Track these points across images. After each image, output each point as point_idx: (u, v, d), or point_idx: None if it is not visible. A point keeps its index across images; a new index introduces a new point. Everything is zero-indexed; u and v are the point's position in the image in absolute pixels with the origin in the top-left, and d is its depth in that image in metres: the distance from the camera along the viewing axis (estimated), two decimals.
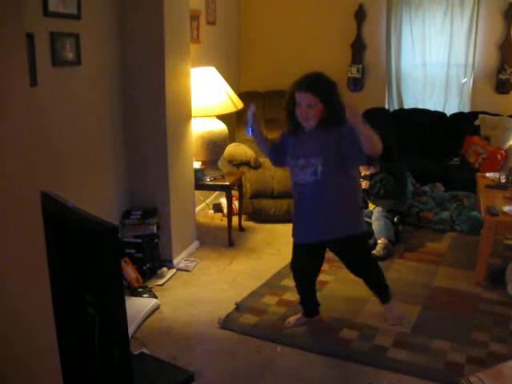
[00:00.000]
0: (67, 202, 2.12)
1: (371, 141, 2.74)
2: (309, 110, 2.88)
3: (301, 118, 2.94)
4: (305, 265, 3.28)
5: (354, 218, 3.11)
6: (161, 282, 3.95)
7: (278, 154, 3.18)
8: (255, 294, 3.76)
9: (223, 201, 5.28)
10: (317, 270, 3.35)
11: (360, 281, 3.50)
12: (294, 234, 3.20)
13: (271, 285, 3.91)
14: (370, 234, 4.54)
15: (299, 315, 3.40)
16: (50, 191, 2.17)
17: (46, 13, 3.09)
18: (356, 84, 6.12)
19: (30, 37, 2.95)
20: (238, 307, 3.55)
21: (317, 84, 2.90)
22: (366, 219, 4.64)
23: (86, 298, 1.97)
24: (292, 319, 3.39)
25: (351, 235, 3.08)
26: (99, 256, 1.88)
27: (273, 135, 5.83)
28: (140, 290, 3.73)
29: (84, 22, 3.43)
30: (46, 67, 3.16)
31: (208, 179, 4.64)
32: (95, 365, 2.04)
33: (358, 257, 3.25)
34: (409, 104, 6.12)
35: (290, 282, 3.82)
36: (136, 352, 2.89)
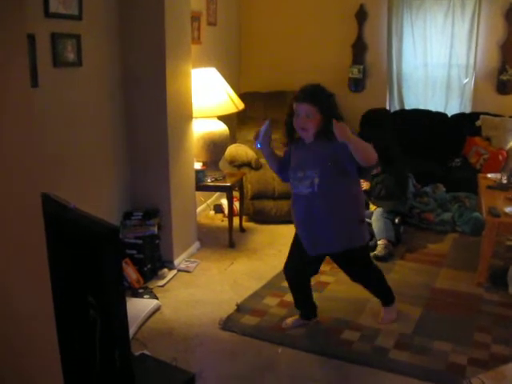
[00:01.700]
0: (68, 203, 2.12)
1: (363, 153, 2.76)
2: (307, 120, 2.89)
3: (298, 127, 2.95)
4: (294, 268, 3.28)
5: (352, 232, 3.05)
6: (161, 282, 3.94)
7: (285, 169, 3.16)
8: (256, 295, 3.75)
9: (224, 202, 5.27)
10: (313, 275, 3.35)
11: None
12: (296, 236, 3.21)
13: (272, 286, 3.90)
14: (371, 235, 4.54)
15: (297, 317, 3.39)
16: (50, 192, 2.16)
17: (47, 14, 3.10)
18: (357, 84, 6.11)
19: (31, 38, 2.95)
20: (239, 308, 3.54)
21: (315, 95, 2.90)
22: (367, 220, 4.64)
23: (87, 299, 1.97)
24: (289, 321, 3.38)
25: (348, 249, 3.05)
26: (100, 257, 1.88)
27: (274, 136, 5.84)
28: (141, 290, 3.73)
29: (85, 22, 3.43)
30: (47, 68, 3.16)
31: (209, 180, 4.64)
32: (96, 366, 2.03)
33: (357, 269, 3.24)
34: (410, 105, 6.12)
35: None
36: (137, 353, 2.88)
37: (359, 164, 2.80)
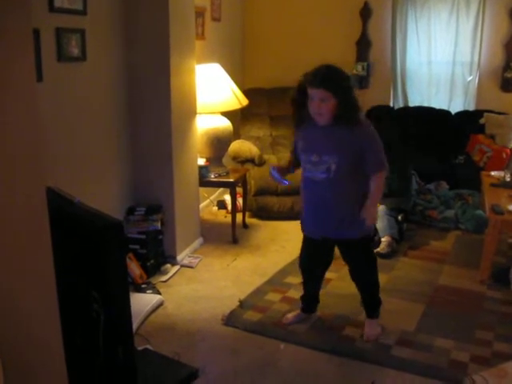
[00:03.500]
0: (72, 197, 2.12)
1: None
2: (322, 104, 2.79)
3: (314, 112, 2.85)
4: (311, 257, 3.26)
5: (362, 221, 2.99)
6: (164, 278, 3.95)
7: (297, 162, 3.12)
8: (259, 291, 3.75)
9: (227, 198, 5.28)
10: (324, 266, 3.32)
11: None
12: (303, 228, 3.19)
13: (275, 282, 3.91)
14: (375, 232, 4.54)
15: (297, 312, 3.40)
16: (55, 186, 2.17)
17: (52, 8, 3.09)
18: (361, 81, 6.10)
19: (36, 32, 2.94)
20: (242, 304, 3.55)
21: (329, 79, 2.80)
22: None
23: (91, 293, 1.97)
24: (290, 316, 3.39)
25: (356, 237, 3.03)
26: (104, 251, 1.88)
27: (277, 132, 5.88)
28: (144, 286, 3.74)
29: (89, 17, 3.43)
30: (52, 63, 3.16)
31: (212, 176, 4.64)
32: (99, 360, 2.04)
33: (360, 258, 3.19)
34: (414, 102, 6.11)
35: (293, 280, 3.83)
36: (140, 348, 2.89)
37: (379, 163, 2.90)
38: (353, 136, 2.83)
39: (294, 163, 3.17)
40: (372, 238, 3.34)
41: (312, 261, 3.28)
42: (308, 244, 3.22)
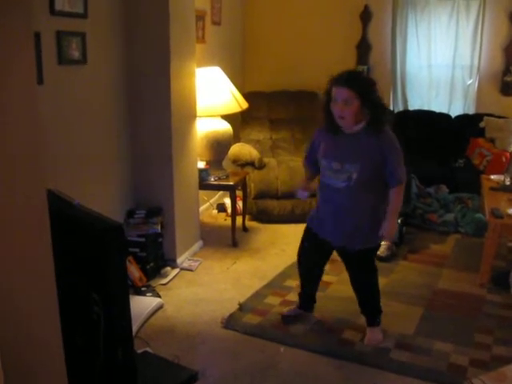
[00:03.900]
0: (72, 199, 2.13)
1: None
2: (344, 107, 2.79)
3: (336, 114, 2.85)
4: (310, 251, 3.25)
5: (370, 233, 2.99)
6: (164, 281, 3.95)
7: (312, 157, 3.13)
8: (258, 295, 3.76)
9: (227, 201, 5.28)
10: (321, 264, 3.32)
11: None
12: (308, 220, 3.21)
13: (274, 285, 3.91)
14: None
15: (293, 306, 3.46)
16: (54, 189, 2.17)
17: (53, 12, 3.10)
18: None
19: (37, 35, 2.95)
20: (242, 307, 3.55)
21: (354, 79, 2.82)
22: None
23: (91, 296, 1.97)
24: (286, 310, 3.47)
25: (368, 247, 3.04)
26: (104, 254, 1.89)
27: (277, 135, 5.88)
28: (143, 289, 3.74)
29: (90, 21, 3.44)
30: (52, 66, 3.17)
31: (212, 179, 4.64)
32: (99, 363, 2.04)
33: (358, 271, 3.19)
34: (413, 105, 6.12)
35: (293, 283, 3.83)
36: (140, 351, 2.89)
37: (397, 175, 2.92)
38: (377, 142, 2.83)
39: (313, 171, 3.18)
40: (377, 249, 3.33)
41: (310, 253, 3.26)
42: (308, 236, 3.21)
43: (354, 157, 2.85)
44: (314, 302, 3.45)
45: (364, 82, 2.88)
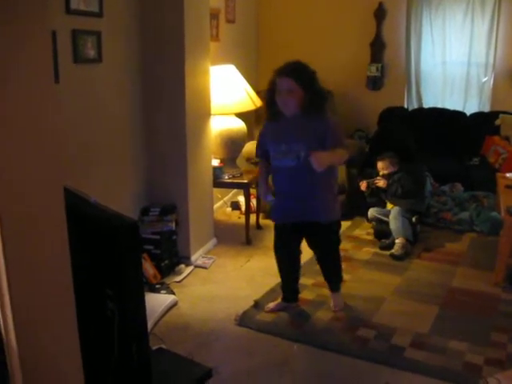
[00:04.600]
0: (88, 197, 2.14)
1: (340, 162, 3.25)
2: (288, 96, 3.00)
3: (281, 103, 3.05)
4: (285, 246, 3.43)
5: (330, 205, 3.24)
6: (178, 278, 3.97)
7: (264, 148, 3.30)
8: (272, 292, 3.75)
9: (241, 199, 5.29)
10: (297, 246, 3.45)
11: (377, 280, 3.50)
12: (272, 216, 3.42)
13: None
14: (388, 233, 4.53)
15: (279, 301, 3.54)
16: (71, 186, 2.19)
17: (68, 10, 3.13)
18: (375, 83, 6.09)
19: (52, 34, 2.97)
20: (257, 305, 3.56)
21: (297, 70, 3.03)
22: (384, 218, 4.63)
23: (106, 292, 1.99)
24: (272, 304, 3.54)
25: (323, 221, 3.20)
26: (120, 251, 1.90)
27: None
28: (158, 286, 3.76)
29: (105, 19, 3.46)
30: (68, 64, 3.20)
31: (226, 177, 4.66)
32: (114, 360, 2.05)
33: (325, 244, 3.39)
34: (428, 103, 6.08)
35: (306, 281, 3.83)
36: (154, 347, 2.90)
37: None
38: (318, 123, 3.02)
39: (266, 165, 3.33)
40: (339, 223, 3.46)
41: (286, 248, 3.44)
42: (280, 232, 3.41)
43: (297, 136, 3.05)
44: (298, 292, 3.58)
45: (305, 72, 3.05)
